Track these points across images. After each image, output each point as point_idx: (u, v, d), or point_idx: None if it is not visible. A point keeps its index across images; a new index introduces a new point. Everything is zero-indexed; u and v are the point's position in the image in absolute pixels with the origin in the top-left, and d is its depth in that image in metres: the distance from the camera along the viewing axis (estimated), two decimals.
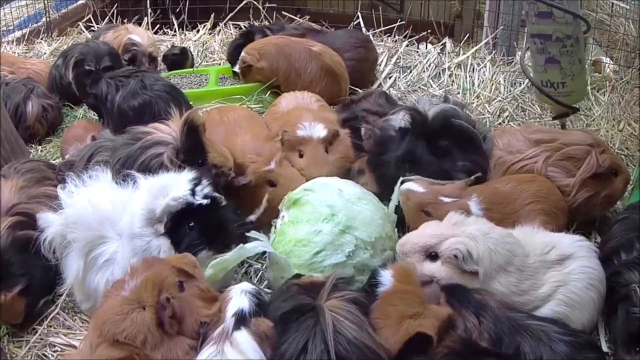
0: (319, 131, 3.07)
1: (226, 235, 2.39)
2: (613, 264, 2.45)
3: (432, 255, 2.31)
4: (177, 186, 2.33)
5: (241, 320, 1.96)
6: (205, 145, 2.72)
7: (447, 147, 2.94)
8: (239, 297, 2.03)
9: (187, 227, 2.33)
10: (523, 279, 2.26)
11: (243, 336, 1.92)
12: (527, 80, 4.29)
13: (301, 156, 3.06)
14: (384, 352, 1.90)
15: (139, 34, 4.51)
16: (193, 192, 2.33)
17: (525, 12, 3.12)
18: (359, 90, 4.14)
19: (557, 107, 3.30)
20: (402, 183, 2.71)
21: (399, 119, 3.03)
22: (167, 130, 2.73)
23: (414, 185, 2.66)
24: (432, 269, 2.29)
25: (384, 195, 2.81)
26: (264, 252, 2.55)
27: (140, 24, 5.31)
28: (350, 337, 1.86)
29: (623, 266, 2.40)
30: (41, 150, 3.76)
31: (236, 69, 4.14)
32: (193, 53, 4.77)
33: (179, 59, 4.58)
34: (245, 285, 2.09)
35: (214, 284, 2.26)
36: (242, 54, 4.01)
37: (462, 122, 3.01)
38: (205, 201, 2.33)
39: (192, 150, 2.68)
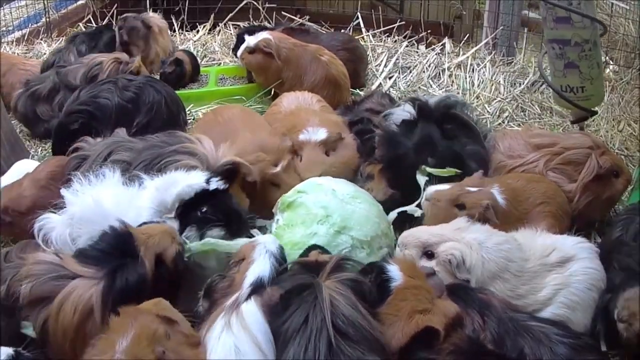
0: (318, 134, 3.05)
1: (241, 222, 2.42)
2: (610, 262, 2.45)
3: (429, 254, 2.32)
4: (189, 178, 2.41)
5: (256, 290, 1.99)
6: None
7: (452, 130, 2.98)
8: (261, 261, 2.07)
9: (200, 212, 2.37)
10: (519, 284, 2.26)
11: (250, 309, 1.93)
12: (527, 80, 4.31)
13: (301, 159, 3.05)
14: (379, 334, 1.90)
15: None
16: (207, 182, 2.40)
17: (543, 18, 3.13)
18: (357, 91, 4.13)
19: (576, 111, 3.33)
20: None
21: (401, 112, 3.05)
22: (209, 148, 2.70)
23: (438, 187, 2.66)
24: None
25: (399, 198, 2.84)
26: None
27: None
28: (347, 313, 1.88)
29: (621, 255, 2.42)
30: (41, 152, 3.74)
31: (250, 40, 3.93)
32: (193, 52, 4.72)
33: (179, 70, 4.32)
34: (270, 244, 2.14)
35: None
36: (267, 36, 3.93)
37: (459, 113, 3.07)
38: (221, 186, 2.39)
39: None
